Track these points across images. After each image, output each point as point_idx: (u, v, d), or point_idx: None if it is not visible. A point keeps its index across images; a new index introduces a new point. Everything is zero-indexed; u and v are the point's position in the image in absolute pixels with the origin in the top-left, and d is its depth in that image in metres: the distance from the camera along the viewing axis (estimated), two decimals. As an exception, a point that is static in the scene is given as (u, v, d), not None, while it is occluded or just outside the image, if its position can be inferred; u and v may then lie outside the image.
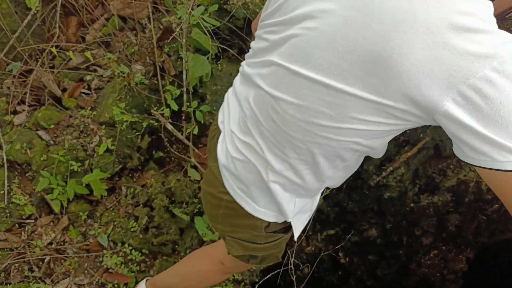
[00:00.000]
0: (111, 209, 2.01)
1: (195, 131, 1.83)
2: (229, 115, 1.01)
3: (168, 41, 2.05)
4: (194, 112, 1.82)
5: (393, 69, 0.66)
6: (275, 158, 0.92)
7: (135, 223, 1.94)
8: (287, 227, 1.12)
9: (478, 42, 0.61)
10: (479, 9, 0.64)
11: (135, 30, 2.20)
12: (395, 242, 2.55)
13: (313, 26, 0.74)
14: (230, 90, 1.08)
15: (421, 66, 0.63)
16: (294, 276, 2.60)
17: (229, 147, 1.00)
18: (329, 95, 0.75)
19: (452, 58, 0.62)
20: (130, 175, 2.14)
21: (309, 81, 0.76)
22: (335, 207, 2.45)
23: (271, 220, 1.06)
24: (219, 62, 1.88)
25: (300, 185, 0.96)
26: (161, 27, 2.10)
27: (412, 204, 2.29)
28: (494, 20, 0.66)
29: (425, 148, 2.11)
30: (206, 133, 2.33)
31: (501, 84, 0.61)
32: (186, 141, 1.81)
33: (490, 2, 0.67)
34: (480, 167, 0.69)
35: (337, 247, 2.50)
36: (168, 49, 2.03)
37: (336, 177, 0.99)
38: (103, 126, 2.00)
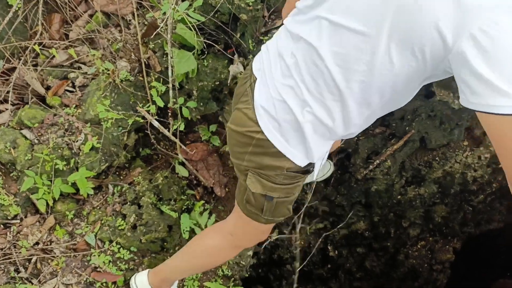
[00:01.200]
0: (98, 207, 1.99)
1: (182, 127, 1.82)
2: (270, 64, 1.12)
3: (153, 37, 2.03)
4: (180, 108, 1.81)
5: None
6: (313, 99, 1.04)
7: (123, 221, 1.92)
8: (304, 171, 1.21)
9: None
10: None
11: (119, 26, 2.18)
12: (383, 234, 2.58)
13: None
14: (270, 42, 1.18)
15: (442, 11, 0.78)
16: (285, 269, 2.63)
17: (270, 89, 1.10)
18: (364, 42, 0.89)
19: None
20: (117, 173, 2.13)
21: (349, 30, 0.91)
22: (324, 200, 2.47)
23: (297, 161, 1.15)
24: (204, 58, 1.87)
25: (329, 127, 1.08)
26: (146, 23, 2.08)
27: (399, 197, 2.32)
28: None
29: (411, 140, 2.14)
30: (193, 129, 2.33)
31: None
32: (173, 138, 1.80)
33: None
34: (478, 111, 0.78)
35: (324, 237, 2.52)
36: (153, 45, 2.01)
37: (358, 124, 1.10)
38: (88, 124, 1.98)
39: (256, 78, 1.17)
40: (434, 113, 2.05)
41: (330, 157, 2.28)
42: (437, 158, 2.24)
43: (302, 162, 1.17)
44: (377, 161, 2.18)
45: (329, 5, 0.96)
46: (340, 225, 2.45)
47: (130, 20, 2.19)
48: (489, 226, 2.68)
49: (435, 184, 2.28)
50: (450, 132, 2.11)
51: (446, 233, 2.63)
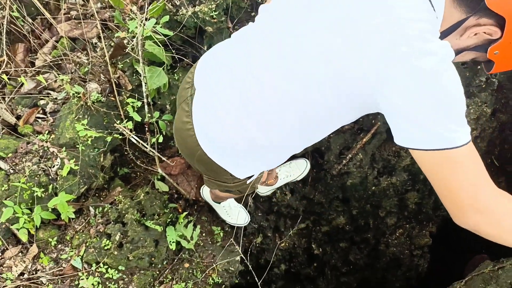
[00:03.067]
0: (81, 231, 1.98)
1: (160, 139, 1.85)
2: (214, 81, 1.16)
3: (121, 57, 2.07)
4: (157, 122, 1.85)
5: None
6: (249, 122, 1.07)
7: (108, 241, 1.92)
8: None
9: None
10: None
11: (85, 50, 2.20)
12: (362, 226, 2.67)
13: None
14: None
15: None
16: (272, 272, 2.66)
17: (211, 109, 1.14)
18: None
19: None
20: (97, 194, 2.12)
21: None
22: (303, 200, 2.54)
23: (237, 175, 1.25)
24: (175, 72, 1.93)
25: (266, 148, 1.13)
26: (112, 44, 2.11)
27: (373, 188, 2.42)
28: None
29: (378, 132, 2.25)
30: (169, 144, 2.36)
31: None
32: (152, 151, 1.83)
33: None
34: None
35: (307, 236, 2.58)
36: (122, 65, 2.05)
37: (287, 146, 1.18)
38: (64, 148, 1.98)
39: (194, 91, 1.18)
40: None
41: (305, 155, 2.36)
42: (404, 147, 2.36)
43: (241, 176, 1.26)
44: (349, 156, 2.28)
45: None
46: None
47: (96, 43, 2.22)
48: (459, 207, 2.82)
49: (405, 172, 2.40)
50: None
51: (421, 218, 2.75)
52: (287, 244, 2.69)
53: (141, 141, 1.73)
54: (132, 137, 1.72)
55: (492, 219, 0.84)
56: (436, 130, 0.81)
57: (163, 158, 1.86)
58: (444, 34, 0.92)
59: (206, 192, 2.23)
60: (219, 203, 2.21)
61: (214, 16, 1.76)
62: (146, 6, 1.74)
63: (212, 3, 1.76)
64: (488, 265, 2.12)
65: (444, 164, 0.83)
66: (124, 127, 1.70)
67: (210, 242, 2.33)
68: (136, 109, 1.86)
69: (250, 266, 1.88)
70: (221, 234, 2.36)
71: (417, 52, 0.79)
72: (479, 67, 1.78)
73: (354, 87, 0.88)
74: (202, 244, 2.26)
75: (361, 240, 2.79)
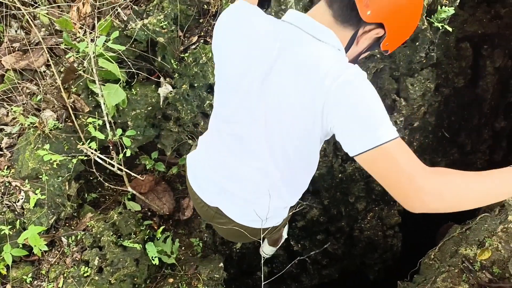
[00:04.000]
0: (57, 262, 1.91)
1: (128, 153, 1.84)
2: None
3: (73, 80, 2.04)
4: (121, 139, 1.84)
5: None
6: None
7: (87, 267, 1.86)
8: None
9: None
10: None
11: (35, 79, 2.15)
12: (335, 216, 2.75)
13: None
14: None
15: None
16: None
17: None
18: None
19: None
20: (67, 224, 2.06)
21: None
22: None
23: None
24: (131, 87, 1.93)
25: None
26: (62, 70, 2.08)
27: (340, 175, 2.51)
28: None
29: (337, 121, 2.35)
30: (135, 163, 2.34)
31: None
32: (121, 169, 1.81)
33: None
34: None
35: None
36: (75, 89, 2.03)
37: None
38: (27, 181, 1.91)
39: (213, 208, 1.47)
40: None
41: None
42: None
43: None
44: (313, 147, 2.35)
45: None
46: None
47: (44, 71, 2.18)
48: (421, 183, 2.96)
49: (367, 155, 2.50)
50: (367, 105, 2.36)
51: (388, 199, 2.86)
52: (266, 246, 2.71)
53: (108, 159, 1.71)
54: (97, 156, 1.70)
55: (433, 195, 0.93)
56: (365, 133, 0.97)
57: (133, 174, 1.84)
58: (347, 50, 1.14)
59: (266, 249, 2.39)
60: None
61: (164, 27, 1.79)
62: (95, 24, 1.74)
63: (160, 14, 1.79)
64: (456, 228, 2.25)
65: (379, 159, 0.97)
66: (89, 147, 1.68)
67: (190, 254, 2.31)
68: (97, 129, 1.84)
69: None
70: (201, 244, 2.35)
71: (336, 76, 1.00)
72: (417, 43, 1.93)
73: (307, 126, 1.11)
74: (183, 257, 2.24)
75: (336, 229, 2.87)
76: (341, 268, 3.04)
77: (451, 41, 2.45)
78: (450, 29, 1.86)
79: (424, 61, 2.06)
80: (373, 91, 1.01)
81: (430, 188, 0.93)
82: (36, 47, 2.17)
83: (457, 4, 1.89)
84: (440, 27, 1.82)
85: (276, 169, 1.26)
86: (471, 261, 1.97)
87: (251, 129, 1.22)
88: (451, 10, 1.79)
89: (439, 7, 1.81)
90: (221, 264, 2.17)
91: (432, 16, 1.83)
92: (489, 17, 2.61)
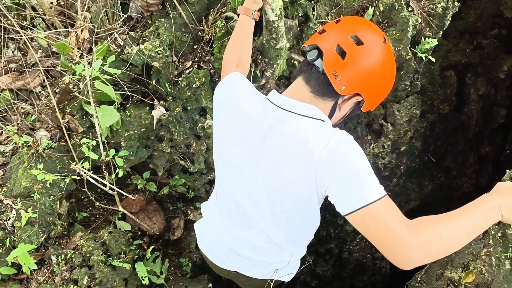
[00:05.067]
0: (45, 281, 1.91)
1: (121, 174, 1.87)
2: None
3: (68, 101, 2.09)
4: (114, 159, 1.87)
5: None
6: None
7: (76, 286, 1.87)
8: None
9: None
10: None
11: (29, 100, 2.19)
12: (325, 237, 2.78)
13: None
14: None
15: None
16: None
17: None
18: None
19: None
20: (57, 243, 2.06)
21: None
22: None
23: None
24: (126, 109, 1.98)
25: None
26: (58, 90, 2.13)
27: (329, 197, 2.55)
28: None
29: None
30: (126, 182, 2.36)
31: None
32: (112, 189, 1.84)
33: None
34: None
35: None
36: (70, 109, 2.07)
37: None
38: (18, 199, 1.93)
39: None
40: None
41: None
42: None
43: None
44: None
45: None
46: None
47: (40, 92, 2.22)
48: (408, 206, 3.03)
49: (355, 178, 2.56)
50: (354, 129, 2.43)
51: (376, 221, 2.90)
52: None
53: (100, 179, 1.74)
54: (90, 176, 1.73)
55: (419, 252, 0.98)
56: (352, 194, 1.04)
57: (124, 194, 1.87)
58: (330, 116, 1.24)
59: None
60: None
61: (159, 52, 1.86)
62: (92, 48, 1.80)
63: (156, 40, 1.85)
64: (442, 251, 2.29)
65: (366, 219, 1.03)
66: (82, 167, 1.71)
67: (179, 275, 2.31)
68: (90, 149, 1.88)
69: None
70: (190, 265, 2.36)
71: (324, 145, 1.09)
72: (402, 72, 2.01)
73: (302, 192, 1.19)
74: (172, 278, 2.25)
75: (325, 251, 2.89)
76: (330, 291, 3.05)
77: (436, 70, 2.55)
78: (433, 59, 1.94)
79: (409, 88, 2.14)
80: (358, 154, 1.09)
81: (415, 245, 0.97)
82: (32, 68, 2.21)
83: (440, 35, 1.98)
84: (424, 58, 1.90)
85: (280, 232, 1.35)
86: (455, 284, 2.01)
87: (249, 201, 1.32)
88: (434, 42, 1.88)
89: (422, 38, 1.90)
90: (210, 285, 2.18)
91: (416, 47, 1.92)
92: (472, 47, 2.73)
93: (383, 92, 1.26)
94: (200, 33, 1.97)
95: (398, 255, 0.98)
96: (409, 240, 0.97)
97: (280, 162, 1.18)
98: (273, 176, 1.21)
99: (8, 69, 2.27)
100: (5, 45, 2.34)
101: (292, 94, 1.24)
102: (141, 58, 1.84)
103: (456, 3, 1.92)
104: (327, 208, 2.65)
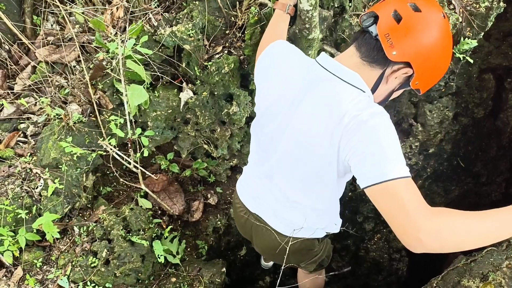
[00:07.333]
0: (67, 250, 1.98)
1: (146, 153, 1.91)
2: None
3: (101, 78, 2.13)
4: (140, 138, 1.91)
5: None
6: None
7: (95, 258, 1.93)
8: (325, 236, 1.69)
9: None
10: None
11: (64, 73, 2.25)
12: (342, 233, 2.76)
13: None
14: None
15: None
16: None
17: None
18: None
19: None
20: (80, 214, 2.14)
21: None
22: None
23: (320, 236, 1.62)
24: (155, 89, 2.00)
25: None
26: (91, 66, 2.18)
27: (350, 193, 2.53)
28: None
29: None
30: (151, 162, 2.41)
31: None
32: (136, 167, 1.88)
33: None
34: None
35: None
36: (102, 86, 2.11)
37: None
38: (47, 169, 2.00)
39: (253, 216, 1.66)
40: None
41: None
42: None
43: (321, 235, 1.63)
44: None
45: None
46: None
47: (74, 66, 2.28)
48: (431, 209, 2.95)
49: (379, 176, 2.51)
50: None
51: (397, 222, 2.85)
52: (270, 255, 2.73)
53: (125, 157, 1.78)
54: (116, 152, 1.77)
55: (431, 235, 0.95)
56: (374, 168, 1.02)
57: (147, 173, 1.91)
58: (374, 89, 1.20)
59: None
60: None
61: (191, 35, 1.86)
62: (126, 27, 1.82)
63: (189, 22, 1.86)
64: (461, 259, 2.23)
65: (384, 195, 1.02)
66: (109, 143, 1.75)
67: (195, 256, 2.36)
68: (118, 126, 1.91)
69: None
70: (206, 247, 2.40)
71: (355, 115, 1.08)
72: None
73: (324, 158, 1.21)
74: (187, 258, 2.29)
75: (342, 247, 2.88)
76: (344, 286, 3.04)
77: (474, 72, 2.45)
78: (472, 61, 1.87)
79: (444, 89, 2.07)
80: (389, 131, 1.06)
81: (428, 228, 0.95)
82: (69, 42, 2.27)
83: (481, 36, 1.90)
84: (462, 58, 1.83)
85: (296, 188, 1.39)
86: (472, 293, 1.95)
87: (275, 153, 1.37)
88: (474, 43, 1.81)
89: (462, 38, 1.83)
90: (224, 269, 2.21)
91: (455, 46, 1.85)
92: (515, 51, 2.60)
93: (435, 71, 1.20)
94: (233, 18, 1.96)
95: (409, 233, 0.97)
96: (423, 222, 0.96)
97: (312, 118, 1.19)
98: (301, 131, 1.22)
99: (46, 42, 2.33)
100: (45, 18, 2.40)
101: (341, 59, 1.23)
102: (173, 40, 1.85)
103: (501, 4, 1.83)
104: (346, 205, 2.63)
